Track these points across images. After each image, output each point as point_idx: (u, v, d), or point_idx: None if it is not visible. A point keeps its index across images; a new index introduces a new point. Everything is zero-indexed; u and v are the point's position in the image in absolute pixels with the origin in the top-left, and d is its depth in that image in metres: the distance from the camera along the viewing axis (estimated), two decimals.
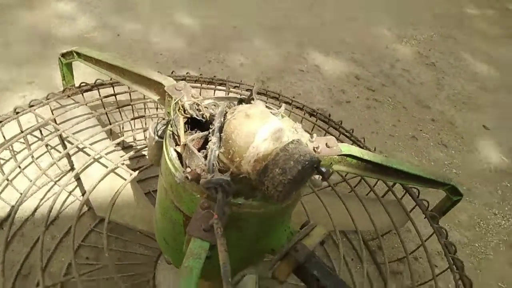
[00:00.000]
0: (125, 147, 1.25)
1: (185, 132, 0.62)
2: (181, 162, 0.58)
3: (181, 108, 0.65)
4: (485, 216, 1.33)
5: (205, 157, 0.52)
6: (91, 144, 1.03)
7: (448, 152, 1.59)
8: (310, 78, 1.83)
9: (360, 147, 1.04)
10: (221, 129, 0.53)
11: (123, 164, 1.00)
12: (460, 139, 1.66)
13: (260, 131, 0.49)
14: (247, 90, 1.30)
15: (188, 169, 0.54)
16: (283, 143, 0.51)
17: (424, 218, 1.00)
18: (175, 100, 0.65)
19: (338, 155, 0.69)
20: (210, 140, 0.53)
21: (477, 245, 1.21)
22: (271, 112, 0.63)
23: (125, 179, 0.96)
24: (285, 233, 0.62)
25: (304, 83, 1.79)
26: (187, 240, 0.50)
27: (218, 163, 0.52)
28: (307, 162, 0.46)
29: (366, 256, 0.94)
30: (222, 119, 0.56)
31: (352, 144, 1.01)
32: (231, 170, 0.50)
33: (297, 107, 1.28)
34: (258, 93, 1.25)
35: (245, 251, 0.64)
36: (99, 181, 0.93)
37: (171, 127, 0.63)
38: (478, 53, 2.33)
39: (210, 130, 0.55)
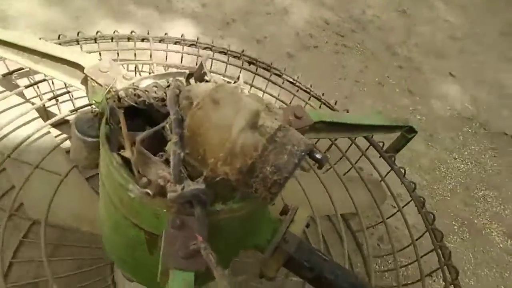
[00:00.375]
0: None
1: None
2: (131, 169, 0.45)
3: (115, 97, 0.50)
4: (445, 160, 1.38)
5: (166, 161, 0.40)
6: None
7: (414, 98, 1.60)
8: (277, 22, 1.72)
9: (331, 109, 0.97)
10: (180, 123, 0.40)
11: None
12: (426, 86, 1.68)
13: (236, 120, 0.38)
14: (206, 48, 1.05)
15: (144, 179, 0.41)
16: (263, 130, 0.41)
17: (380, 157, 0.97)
18: (105, 87, 0.50)
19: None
20: (169, 140, 0.40)
21: (435, 187, 1.25)
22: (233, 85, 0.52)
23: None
24: (269, 226, 0.54)
25: (271, 27, 1.68)
26: (163, 272, 0.38)
27: (185, 167, 0.40)
28: (303, 153, 0.37)
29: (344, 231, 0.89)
30: (177, 108, 0.43)
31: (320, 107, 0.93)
32: (204, 174, 0.39)
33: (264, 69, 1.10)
34: (225, 53, 1.06)
35: (224, 256, 0.54)
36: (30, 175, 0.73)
37: (106, 123, 0.48)
38: (451, 2, 2.33)
39: (165, 124, 0.43)
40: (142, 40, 1.02)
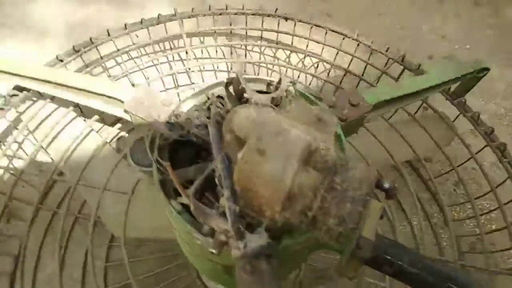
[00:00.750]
0: None
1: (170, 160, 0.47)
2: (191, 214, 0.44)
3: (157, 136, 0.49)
4: None
5: (223, 214, 0.39)
6: None
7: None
8: None
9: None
10: (229, 173, 0.38)
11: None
12: None
13: (287, 168, 0.35)
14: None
15: (207, 228, 0.41)
16: (318, 159, 0.37)
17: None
18: (149, 130, 0.49)
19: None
20: (222, 195, 0.39)
21: None
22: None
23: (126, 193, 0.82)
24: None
25: None
26: None
27: (243, 217, 0.39)
28: (367, 196, 0.33)
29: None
30: (222, 150, 0.41)
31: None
32: (264, 225, 0.37)
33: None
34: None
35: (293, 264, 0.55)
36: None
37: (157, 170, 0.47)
38: None
39: (213, 167, 0.41)
40: None
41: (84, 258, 0.87)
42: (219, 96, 0.54)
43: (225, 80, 0.54)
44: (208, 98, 0.54)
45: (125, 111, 0.54)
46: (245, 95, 0.48)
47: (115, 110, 0.60)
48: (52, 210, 0.86)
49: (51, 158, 0.83)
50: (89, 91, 0.58)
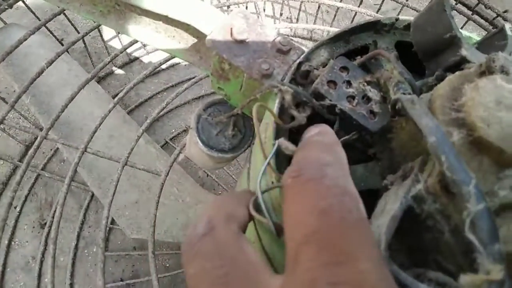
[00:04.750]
0: None
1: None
2: None
3: (281, 97, 0.27)
4: None
5: None
6: None
7: None
8: None
9: None
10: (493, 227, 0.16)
11: None
12: None
13: None
14: None
15: None
16: None
17: None
18: (262, 88, 0.26)
19: None
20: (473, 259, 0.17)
21: None
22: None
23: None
24: None
25: None
26: None
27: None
28: None
29: None
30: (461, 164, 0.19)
31: None
32: None
33: None
34: None
35: None
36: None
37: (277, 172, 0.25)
38: None
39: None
40: None
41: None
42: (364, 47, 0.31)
43: (387, 18, 0.31)
44: (357, 49, 0.31)
45: (205, 48, 0.31)
46: (463, 52, 0.24)
47: (179, 46, 0.36)
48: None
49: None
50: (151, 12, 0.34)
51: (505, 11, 0.70)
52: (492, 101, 0.20)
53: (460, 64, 0.25)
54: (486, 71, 0.22)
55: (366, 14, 0.72)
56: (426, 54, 0.27)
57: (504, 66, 0.22)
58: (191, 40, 0.34)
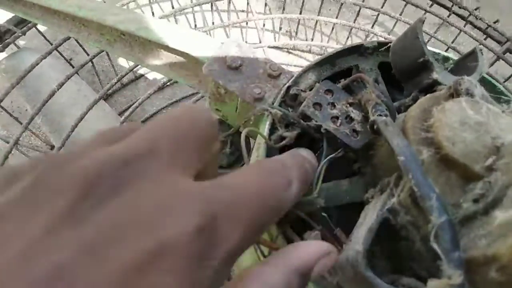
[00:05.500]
0: None
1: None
2: None
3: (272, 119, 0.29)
4: None
5: None
6: None
7: None
8: None
9: None
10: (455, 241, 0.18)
11: None
12: None
13: None
14: None
15: None
16: None
17: None
18: (254, 111, 0.29)
19: None
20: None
21: None
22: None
23: None
24: None
25: None
26: None
27: None
28: None
29: None
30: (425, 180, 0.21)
31: None
32: None
33: None
34: None
35: None
36: None
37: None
38: None
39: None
40: None
41: None
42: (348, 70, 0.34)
43: (369, 42, 0.34)
44: (343, 71, 0.33)
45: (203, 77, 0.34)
46: (434, 75, 0.27)
47: (179, 73, 0.39)
48: None
49: None
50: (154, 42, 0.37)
51: (496, 22, 0.72)
52: (457, 121, 0.23)
53: (433, 85, 0.27)
54: (454, 93, 0.24)
55: (360, 28, 0.75)
56: (403, 76, 0.29)
57: (469, 89, 0.24)
58: (190, 67, 0.37)
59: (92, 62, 0.83)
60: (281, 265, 0.16)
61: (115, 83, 0.64)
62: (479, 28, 0.78)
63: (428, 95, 0.25)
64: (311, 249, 0.18)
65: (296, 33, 1.02)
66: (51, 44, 0.66)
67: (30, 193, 0.13)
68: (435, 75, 0.26)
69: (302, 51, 1.02)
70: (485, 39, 0.74)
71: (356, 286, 0.22)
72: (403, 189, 0.22)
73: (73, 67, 0.76)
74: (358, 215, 0.27)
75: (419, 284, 0.21)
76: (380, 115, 0.25)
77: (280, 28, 1.03)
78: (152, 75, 1.08)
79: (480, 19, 0.71)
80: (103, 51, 0.67)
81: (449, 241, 0.19)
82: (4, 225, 0.12)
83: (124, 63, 1.08)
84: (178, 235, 0.12)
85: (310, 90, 0.31)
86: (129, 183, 0.13)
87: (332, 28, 0.98)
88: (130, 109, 0.64)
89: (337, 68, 0.33)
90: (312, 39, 0.99)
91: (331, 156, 0.28)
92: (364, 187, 0.28)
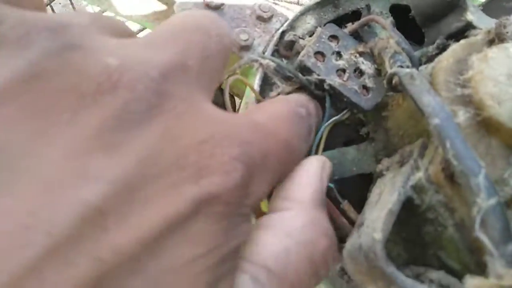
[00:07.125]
0: None
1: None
2: None
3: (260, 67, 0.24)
4: None
5: None
6: None
7: None
8: None
9: None
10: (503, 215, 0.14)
11: None
12: None
13: None
14: None
15: None
16: None
17: None
18: (240, 63, 0.23)
19: None
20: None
21: None
22: None
23: None
24: None
25: None
26: None
27: None
28: None
29: None
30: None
31: None
32: None
33: None
34: None
35: None
36: None
37: None
38: None
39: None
40: None
41: None
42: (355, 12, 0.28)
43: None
44: (349, 14, 0.27)
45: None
46: (468, 16, 0.21)
47: (148, 12, 0.32)
48: None
49: None
50: None
51: None
52: (504, 74, 0.18)
53: (464, 30, 0.22)
54: (496, 38, 0.19)
55: None
56: (426, 19, 0.24)
57: None
58: (160, 7, 0.30)
59: None
60: None
61: None
62: None
63: (462, 41, 0.20)
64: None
65: None
66: None
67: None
68: (469, 16, 0.21)
69: (290, 2, 0.93)
70: None
71: (370, 279, 0.18)
72: (432, 160, 0.18)
73: None
74: (366, 188, 0.22)
75: (451, 279, 0.17)
76: (401, 66, 0.20)
77: None
78: None
79: None
80: None
81: (501, 230, 0.14)
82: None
83: None
84: (224, 184, 0.12)
85: (310, 36, 0.25)
86: (166, 101, 0.12)
87: None
88: None
89: (341, 11, 0.27)
90: None
91: (335, 118, 0.23)
92: (375, 155, 0.23)
